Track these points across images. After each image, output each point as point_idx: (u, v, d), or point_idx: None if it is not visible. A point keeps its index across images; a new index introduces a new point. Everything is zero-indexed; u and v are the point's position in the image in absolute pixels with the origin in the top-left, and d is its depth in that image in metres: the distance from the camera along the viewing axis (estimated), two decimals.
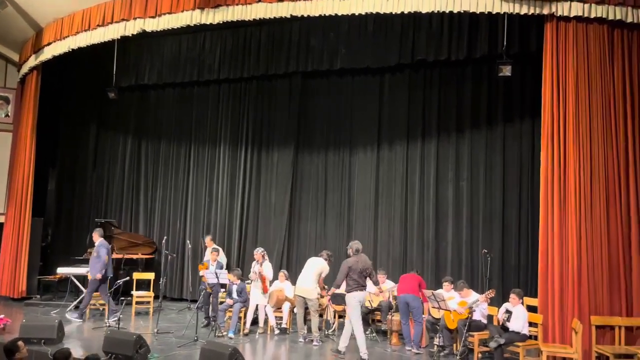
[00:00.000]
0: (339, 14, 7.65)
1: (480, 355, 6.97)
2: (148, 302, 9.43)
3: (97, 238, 8.97)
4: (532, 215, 8.53)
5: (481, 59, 8.90)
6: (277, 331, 8.19)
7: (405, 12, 7.40)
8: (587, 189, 6.80)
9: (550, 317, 6.75)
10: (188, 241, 10.59)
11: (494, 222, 8.98)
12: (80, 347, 7.10)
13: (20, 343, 4.99)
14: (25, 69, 10.96)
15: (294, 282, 8.10)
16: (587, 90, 6.92)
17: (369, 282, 7.13)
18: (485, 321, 7.14)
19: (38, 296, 10.25)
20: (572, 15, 6.96)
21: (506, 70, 7.60)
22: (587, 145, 6.86)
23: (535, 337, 7.05)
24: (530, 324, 7.12)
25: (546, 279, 6.84)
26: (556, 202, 6.86)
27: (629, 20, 6.89)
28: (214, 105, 11.32)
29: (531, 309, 7.39)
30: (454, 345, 7.18)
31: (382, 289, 7.98)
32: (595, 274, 6.68)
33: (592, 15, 6.92)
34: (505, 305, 6.87)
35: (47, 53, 10.11)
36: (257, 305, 8.30)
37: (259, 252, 8.44)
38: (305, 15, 7.84)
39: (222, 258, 9.34)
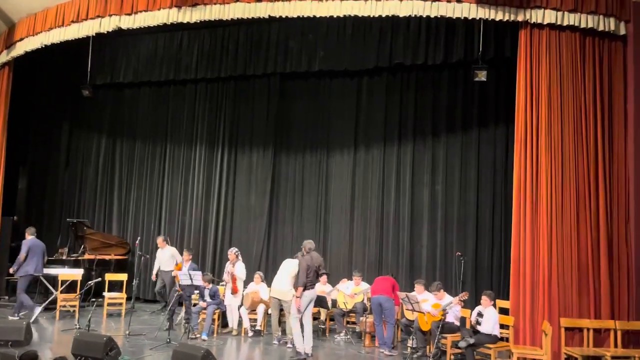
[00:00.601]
0: (317, 15, 7.65)
1: (452, 357, 7.03)
2: (120, 304, 9.28)
3: (27, 236, 9.02)
4: (505, 219, 8.66)
5: (457, 64, 9.02)
6: (251, 333, 8.13)
7: (383, 15, 7.44)
8: (559, 193, 6.93)
9: (522, 319, 6.85)
10: None
11: (468, 225, 9.09)
12: (49, 349, 6.95)
13: None
14: None
15: (270, 285, 8.05)
16: (559, 96, 7.06)
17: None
18: (458, 323, 7.20)
19: (6, 297, 9.99)
20: (545, 23, 7.10)
21: (482, 75, 7.72)
22: (559, 150, 6.99)
23: (507, 339, 7.14)
24: (502, 326, 7.20)
25: (518, 281, 6.94)
26: (528, 205, 6.97)
27: (601, 28, 7.05)
28: (190, 105, 11.22)
29: (503, 311, 7.49)
30: (427, 347, 7.22)
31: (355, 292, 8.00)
32: (565, 276, 6.81)
33: (565, 23, 7.06)
34: (478, 308, 6.94)
35: (19, 49, 9.86)
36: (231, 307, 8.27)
37: (232, 252, 8.41)
38: (284, 16, 7.82)
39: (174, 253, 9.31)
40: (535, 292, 6.80)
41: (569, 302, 6.78)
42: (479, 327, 6.72)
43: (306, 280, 6.91)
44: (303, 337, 6.89)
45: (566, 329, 6.70)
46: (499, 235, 8.86)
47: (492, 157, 9.09)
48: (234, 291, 8.20)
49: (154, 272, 9.62)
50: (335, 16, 7.63)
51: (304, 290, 6.89)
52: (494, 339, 6.69)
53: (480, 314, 6.81)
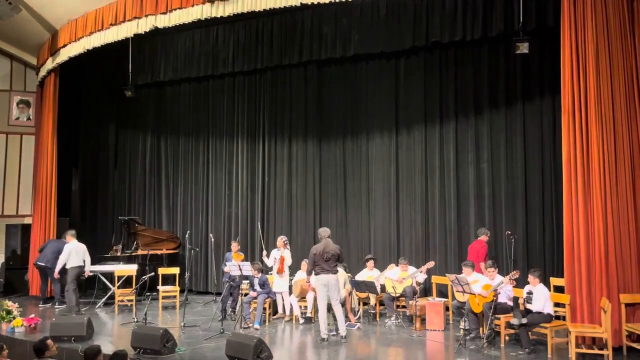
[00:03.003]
0: None
1: (507, 338, 6.89)
2: (174, 297, 9.56)
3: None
4: (555, 194, 8.38)
5: (497, 38, 8.71)
6: (302, 320, 8.23)
7: None
8: (612, 164, 6.61)
9: (578, 296, 6.61)
10: (211, 234, 10.69)
11: (517, 203, 8.84)
12: (110, 342, 7.24)
13: (49, 342, 5.11)
14: (43, 72, 11.11)
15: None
16: (608, 63, 6.70)
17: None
18: (511, 303, 7.04)
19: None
20: None
21: (523, 48, 7.43)
22: (610, 119, 6.65)
23: (563, 318, 6.94)
24: (558, 304, 6.99)
25: (572, 258, 6.70)
26: (580, 178, 6.69)
27: None
28: (229, 98, 11.34)
29: (558, 289, 7.27)
30: (480, 328, 7.11)
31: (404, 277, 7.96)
32: (623, 250, 6.52)
33: None
34: (527, 287, 6.76)
35: (63, 55, 10.22)
36: (281, 294, 8.46)
37: (282, 240, 8.57)
38: (316, 3, 7.75)
39: None
40: (592, 268, 6.54)
41: (629, 277, 6.49)
42: (529, 306, 6.56)
43: (312, 267, 7.26)
44: (336, 321, 7.23)
45: (626, 305, 6.43)
46: (549, 211, 8.58)
47: (538, 131, 8.77)
48: (280, 272, 8.37)
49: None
50: None
51: (317, 274, 7.20)
52: (548, 318, 6.52)
53: (530, 293, 6.64)
